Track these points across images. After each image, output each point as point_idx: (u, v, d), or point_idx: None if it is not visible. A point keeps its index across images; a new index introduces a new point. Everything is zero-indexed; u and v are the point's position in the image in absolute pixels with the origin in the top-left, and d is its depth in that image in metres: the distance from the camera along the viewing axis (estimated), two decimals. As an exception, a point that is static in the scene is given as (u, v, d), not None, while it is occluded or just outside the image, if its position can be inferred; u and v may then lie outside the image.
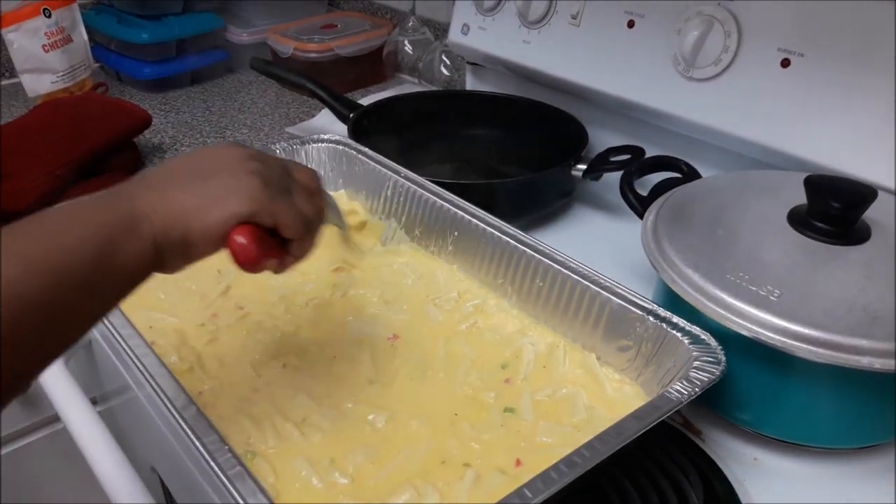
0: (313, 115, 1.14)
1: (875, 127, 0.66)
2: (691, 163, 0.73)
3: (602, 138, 0.90)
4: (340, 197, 0.80)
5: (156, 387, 0.47)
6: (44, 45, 1.06)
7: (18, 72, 1.08)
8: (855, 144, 0.67)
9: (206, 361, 0.58)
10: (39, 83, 1.09)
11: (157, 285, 0.65)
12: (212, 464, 0.41)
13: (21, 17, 1.04)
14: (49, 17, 1.06)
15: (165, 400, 0.46)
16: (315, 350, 0.60)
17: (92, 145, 0.91)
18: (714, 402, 0.56)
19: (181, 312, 0.64)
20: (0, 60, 1.24)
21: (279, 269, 0.47)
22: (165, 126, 1.11)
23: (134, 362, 0.50)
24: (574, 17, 0.87)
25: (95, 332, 0.64)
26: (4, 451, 0.82)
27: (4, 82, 1.25)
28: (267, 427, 0.51)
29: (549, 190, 0.83)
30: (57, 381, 0.64)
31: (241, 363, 0.58)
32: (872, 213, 0.57)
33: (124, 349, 0.51)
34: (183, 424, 0.44)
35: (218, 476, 0.41)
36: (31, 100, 1.11)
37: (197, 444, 0.42)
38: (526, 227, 0.81)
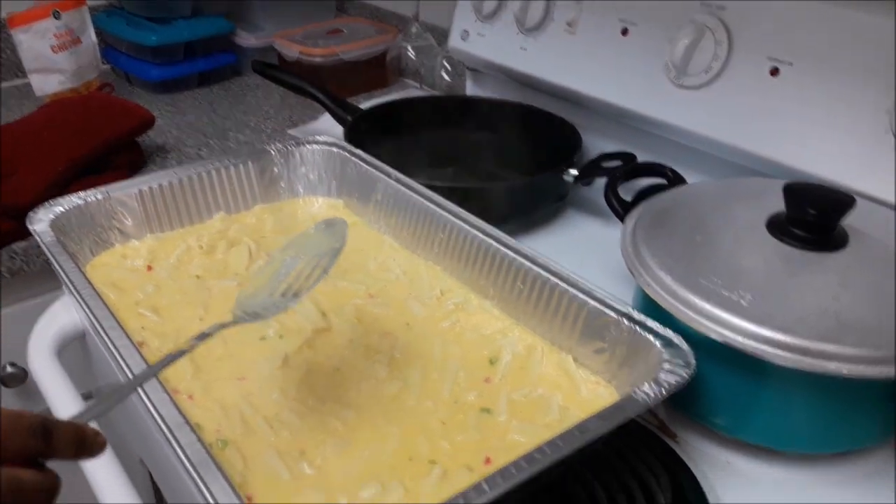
0: (317, 119, 1.16)
1: (862, 135, 0.66)
2: (682, 170, 0.74)
3: (596, 144, 0.90)
4: (335, 206, 0.81)
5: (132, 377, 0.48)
6: (52, 46, 1.09)
7: (27, 72, 1.10)
8: (842, 153, 0.67)
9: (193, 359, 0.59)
10: (47, 83, 1.11)
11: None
12: (178, 451, 0.42)
13: (31, 19, 1.07)
14: (59, 18, 1.08)
15: (142, 393, 0.47)
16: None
17: (95, 143, 0.93)
18: (688, 405, 0.56)
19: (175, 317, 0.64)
20: (10, 60, 1.27)
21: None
22: (170, 127, 1.12)
23: (118, 359, 0.50)
24: (570, 25, 0.88)
25: (88, 328, 0.65)
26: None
27: (16, 82, 1.28)
28: (239, 416, 0.52)
29: (541, 194, 0.84)
30: (49, 376, 0.64)
31: (225, 358, 0.59)
32: (854, 222, 0.57)
33: (110, 347, 0.51)
34: (154, 412, 0.45)
35: (184, 464, 0.41)
36: (39, 99, 1.13)
37: (166, 431, 0.43)
38: (519, 231, 0.81)
